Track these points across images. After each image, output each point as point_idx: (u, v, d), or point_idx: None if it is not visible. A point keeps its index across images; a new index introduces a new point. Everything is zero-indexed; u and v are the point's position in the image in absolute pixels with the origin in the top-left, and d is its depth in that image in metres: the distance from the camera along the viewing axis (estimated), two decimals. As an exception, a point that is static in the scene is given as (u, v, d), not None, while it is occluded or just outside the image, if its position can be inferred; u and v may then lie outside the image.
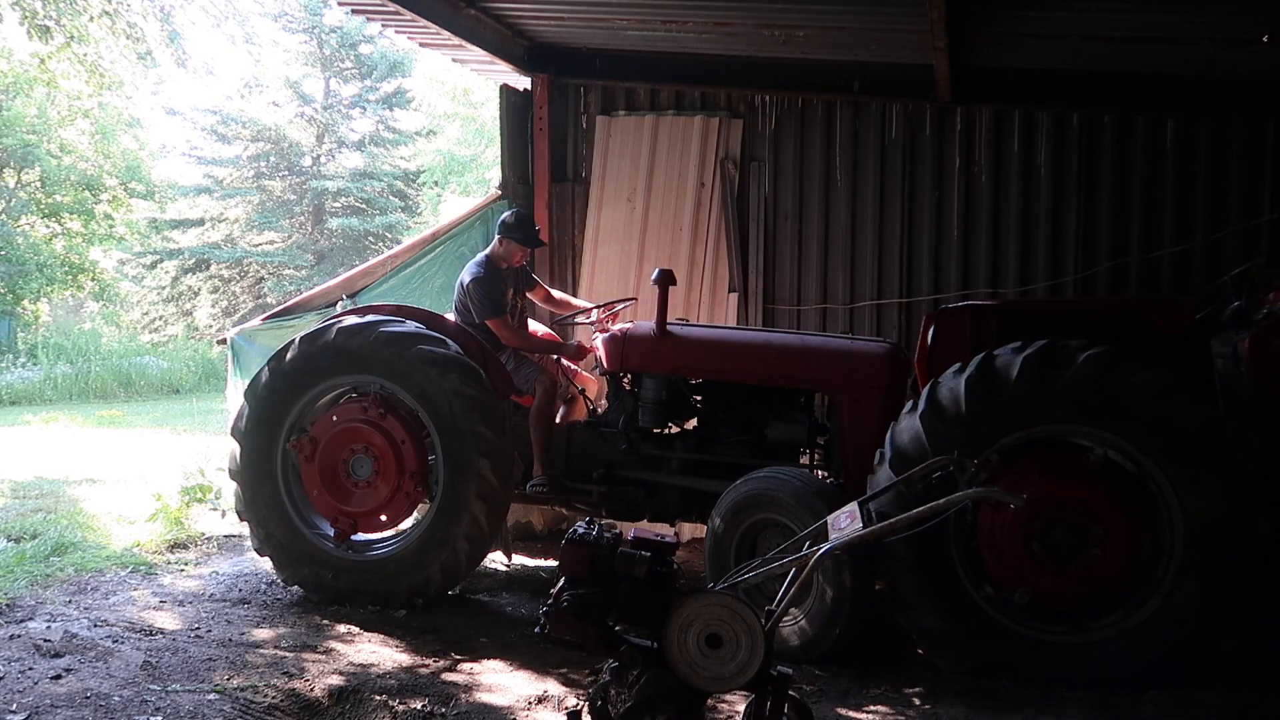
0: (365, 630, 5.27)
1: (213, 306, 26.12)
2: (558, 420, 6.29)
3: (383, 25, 7.89)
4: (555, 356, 6.42)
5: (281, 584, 5.87)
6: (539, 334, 6.57)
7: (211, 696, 4.28)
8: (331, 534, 5.73)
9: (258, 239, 26.14)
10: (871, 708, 4.39)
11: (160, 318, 26.52)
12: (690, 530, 6.99)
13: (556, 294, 6.80)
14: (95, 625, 5.14)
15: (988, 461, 4.37)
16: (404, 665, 4.76)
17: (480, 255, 6.30)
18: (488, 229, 7.79)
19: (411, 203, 27.45)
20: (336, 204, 26.10)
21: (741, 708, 3.76)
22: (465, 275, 6.18)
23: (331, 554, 5.70)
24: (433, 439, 5.61)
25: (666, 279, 5.80)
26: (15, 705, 4.09)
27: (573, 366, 6.57)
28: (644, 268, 7.64)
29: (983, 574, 4.66)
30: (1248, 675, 4.57)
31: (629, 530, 3.93)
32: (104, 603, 5.58)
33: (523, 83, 8.20)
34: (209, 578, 6.19)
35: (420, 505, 5.84)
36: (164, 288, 26.43)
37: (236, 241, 25.89)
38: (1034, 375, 4.53)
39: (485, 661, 4.86)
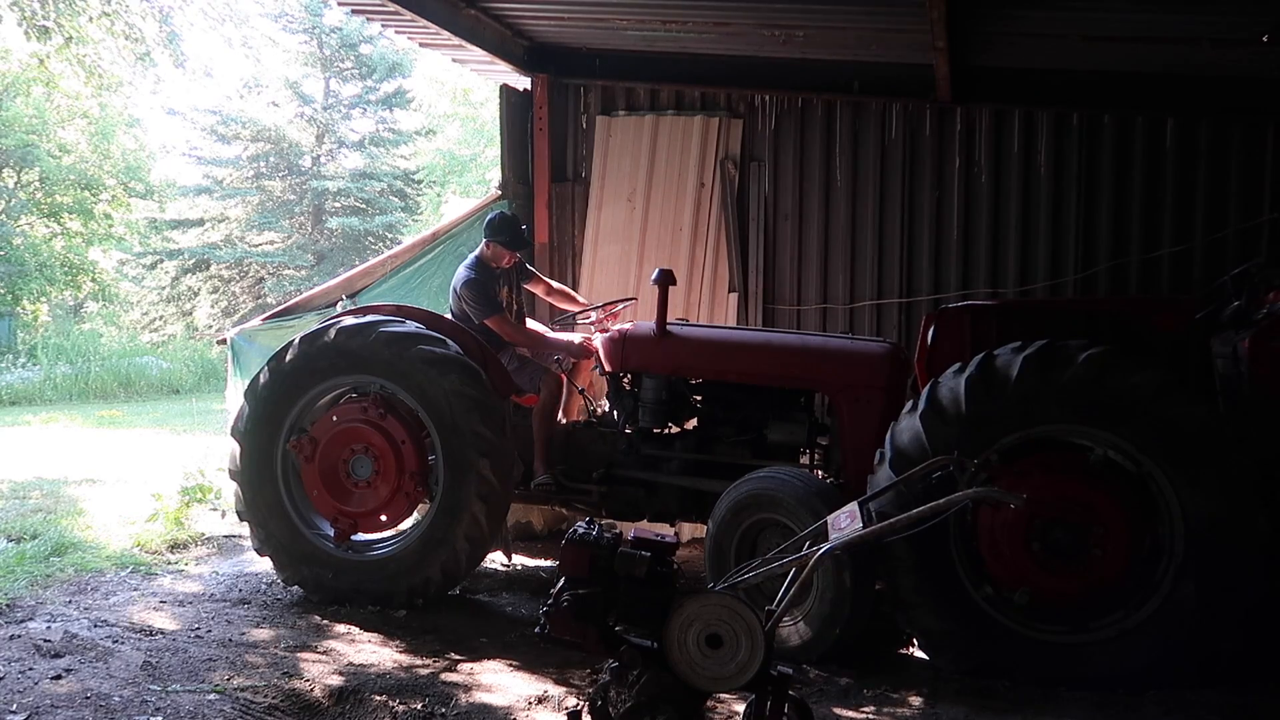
0: (365, 630, 5.27)
1: (212, 307, 26.10)
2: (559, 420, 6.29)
3: (383, 25, 7.90)
4: (557, 357, 6.41)
5: (281, 584, 5.87)
6: (541, 334, 6.54)
7: (211, 696, 4.28)
8: (331, 534, 5.73)
9: (258, 239, 26.13)
10: (871, 708, 4.39)
11: (160, 318, 26.50)
12: (690, 530, 6.98)
13: (556, 285, 6.82)
14: (95, 625, 5.14)
15: (988, 461, 4.36)
16: (404, 665, 4.76)
17: (470, 258, 6.29)
18: (487, 229, 7.79)
19: (411, 203, 27.44)
20: (336, 204, 26.08)
21: (741, 708, 3.76)
22: (457, 279, 6.18)
23: (331, 554, 5.70)
24: (433, 439, 5.61)
25: (666, 279, 5.80)
26: (15, 705, 4.09)
27: (574, 366, 6.56)
28: (644, 268, 7.64)
29: (983, 574, 4.66)
30: (1248, 675, 4.57)
31: (629, 530, 3.94)
32: (104, 603, 5.58)
33: (523, 83, 8.20)
34: (209, 578, 6.19)
35: (420, 505, 5.84)
36: (164, 288, 26.41)
37: (236, 242, 25.87)
38: (1034, 375, 4.53)
39: (485, 661, 4.86)
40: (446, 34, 7.03)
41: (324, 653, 4.91)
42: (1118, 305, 6.12)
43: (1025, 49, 6.81)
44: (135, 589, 5.89)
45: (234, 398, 7.23)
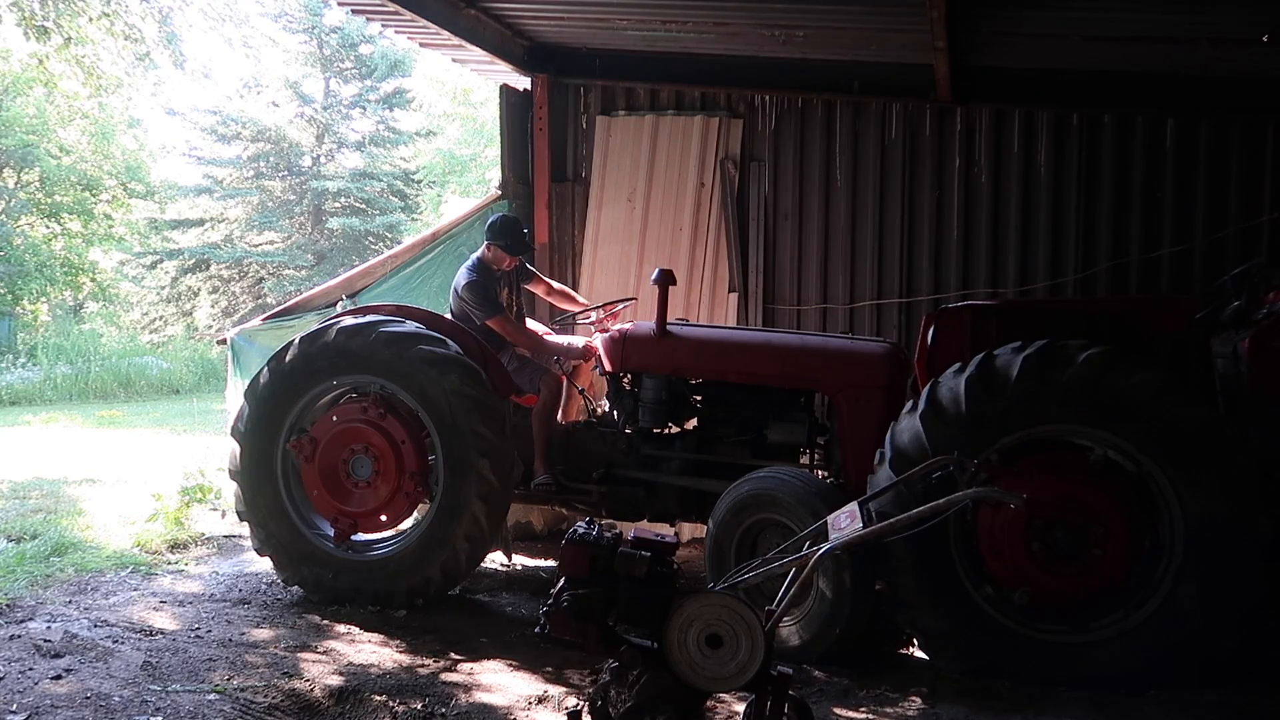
0: (365, 630, 5.27)
1: (213, 306, 26.07)
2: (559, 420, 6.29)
3: (383, 25, 7.90)
4: (558, 358, 6.40)
5: (281, 584, 5.87)
6: (542, 335, 6.54)
7: (211, 696, 4.28)
8: (332, 534, 5.73)
9: (258, 239, 26.11)
10: (871, 708, 4.39)
11: (160, 318, 26.47)
12: (690, 530, 6.99)
13: (556, 285, 6.81)
14: (95, 625, 5.14)
15: (988, 461, 4.36)
16: (404, 665, 4.76)
17: (471, 259, 6.29)
18: (487, 229, 7.79)
19: (411, 203, 27.42)
20: (336, 204, 26.06)
21: (741, 708, 3.76)
22: (459, 281, 6.18)
23: (332, 554, 5.70)
24: (433, 439, 5.61)
25: (666, 279, 5.80)
26: (15, 705, 4.09)
27: (575, 366, 6.55)
28: (644, 268, 7.64)
29: (983, 574, 4.66)
30: (1248, 675, 4.57)
31: (629, 530, 3.94)
32: (104, 603, 5.58)
33: (523, 83, 8.20)
34: (209, 578, 6.19)
35: (420, 505, 5.84)
36: (164, 288, 26.38)
37: (236, 241, 25.86)
38: (1034, 375, 4.53)
39: (485, 661, 4.86)
40: (446, 34, 7.03)
41: (324, 653, 4.91)
42: (1118, 305, 6.12)
43: (1025, 49, 6.81)
44: (135, 589, 5.89)
45: (234, 398, 7.23)
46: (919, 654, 4.93)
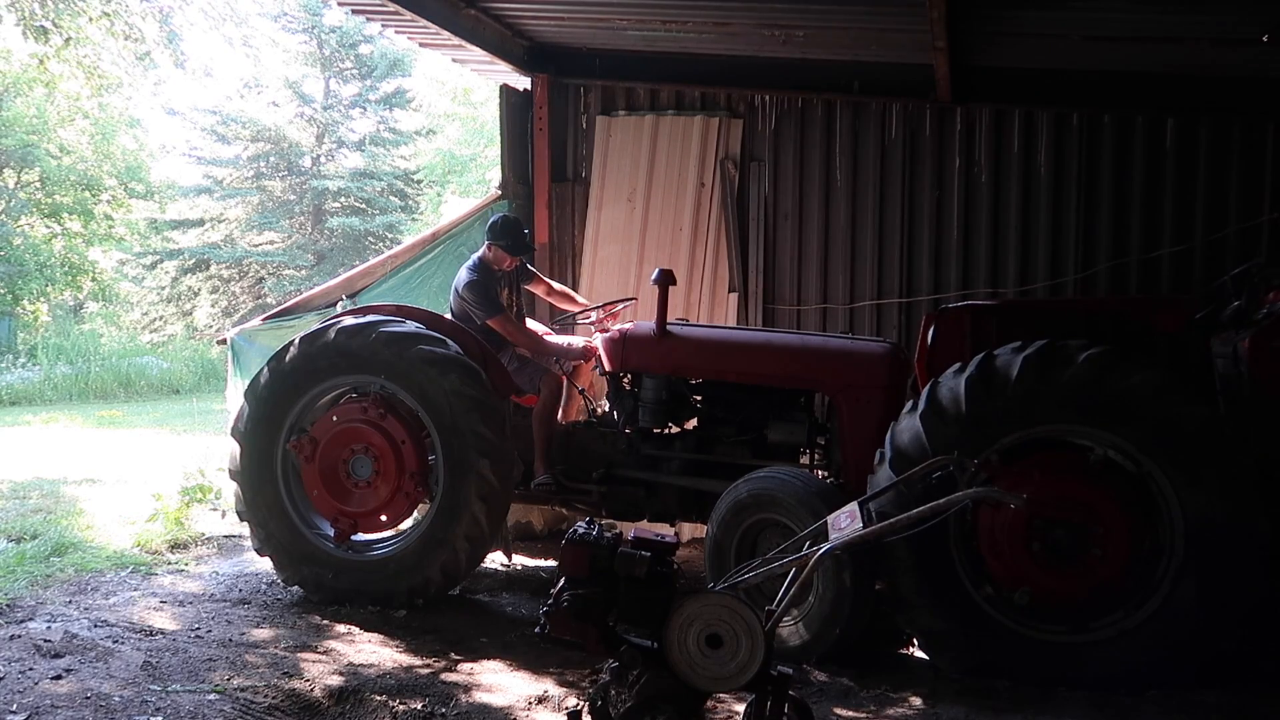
0: (365, 630, 5.27)
1: (213, 306, 26.09)
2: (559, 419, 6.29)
3: (383, 25, 7.89)
4: (558, 359, 6.40)
5: (281, 584, 5.87)
6: (542, 335, 6.53)
7: (211, 697, 4.28)
8: (332, 534, 5.73)
9: (258, 239, 26.13)
10: (871, 708, 4.39)
11: (160, 318, 26.50)
12: (690, 530, 6.99)
13: (556, 286, 6.82)
14: (95, 625, 5.14)
15: (988, 461, 4.36)
16: (404, 665, 4.76)
17: (472, 259, 6.29)
18: (488, 229, 7.79)
19: (411, 203, 27.44)
20: (336, 204, 26.08)
21: (741, 708, 3.76)
22: (459, 280, 6.18)
23: (332, 554, 5.71)
24: (433, 439, 5.61)
25: (666, 279, 5.80)
26: (15, 705, 4.09)
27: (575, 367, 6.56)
28: (644, 268, 7.64)
29: (983, 574, 4.66)
30: (1248, 675, 4.57)
31: (629, 530, 3.94)
32: (104, 603, 5.59)
33: (523, 83, 8.20)
34: (209, 578, 6.19)
35: (420, 505, 5.84)
36: (164, 288, 26.41)
37: (236, 241, 25.87)
38: (1034, 375, 4.53)
39: (485, 661, 4.87)
40: (446, 34, 7.03)
41: (324, 653, 4.91)
42: (1118, 305, 6.12)
43: (1025, 49, 6.81)
44: (135, 589, 5.89)
45: (234, 398, 7.24)
46: (919, 654, 4.93)
